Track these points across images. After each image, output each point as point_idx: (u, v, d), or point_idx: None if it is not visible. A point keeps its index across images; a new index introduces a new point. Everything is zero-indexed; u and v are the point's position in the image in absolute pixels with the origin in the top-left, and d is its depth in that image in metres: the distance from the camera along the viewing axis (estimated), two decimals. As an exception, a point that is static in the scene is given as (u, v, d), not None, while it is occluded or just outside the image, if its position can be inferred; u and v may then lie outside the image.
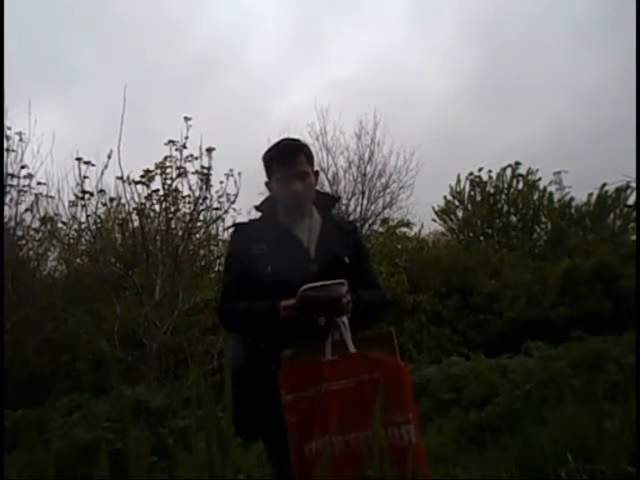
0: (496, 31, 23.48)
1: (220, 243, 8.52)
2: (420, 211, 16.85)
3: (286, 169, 1.90)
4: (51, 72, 19.56)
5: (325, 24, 24.27)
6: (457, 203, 16.93)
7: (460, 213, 16.91)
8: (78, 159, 7.06)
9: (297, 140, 2.02)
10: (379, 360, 1.65)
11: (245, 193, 7.41)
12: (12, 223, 7.81)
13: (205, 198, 7.50)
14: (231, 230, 2.13)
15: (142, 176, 7.20)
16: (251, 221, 2.08)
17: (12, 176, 7.67)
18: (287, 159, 1.91)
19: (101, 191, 7.40)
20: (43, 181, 7.97)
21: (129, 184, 7.06)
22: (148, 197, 7.32)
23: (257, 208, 2.05)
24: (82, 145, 6.90)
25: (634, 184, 13.11)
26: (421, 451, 1.60)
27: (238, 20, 24.37)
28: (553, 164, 16.22)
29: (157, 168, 7.26)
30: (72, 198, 7.50)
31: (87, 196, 7.19)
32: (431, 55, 24.34)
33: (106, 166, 6.92)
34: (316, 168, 2.06)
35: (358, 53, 24.55)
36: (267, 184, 2.02)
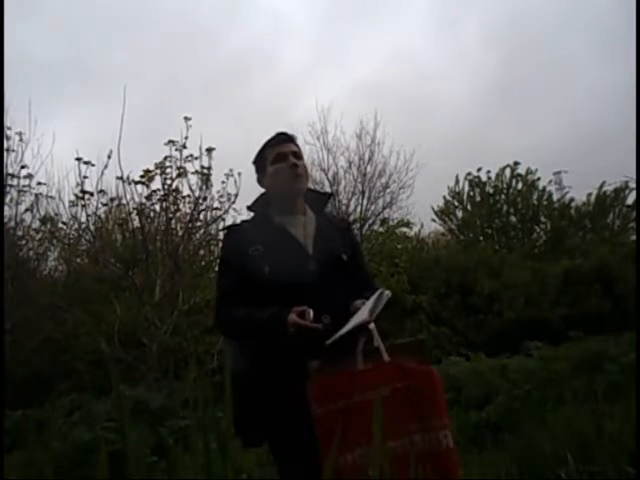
0: (515, 35, 23.67)
1: (220, 243, 8.52)
2: (421, 211, 16.89)
3: (281, 148, 1.92)
4: (86, 74, 19.71)
5: (349, 28, 24.50)
6: (456, 203, 16.93)
7: (460, 213, 16.92)
8: (78, 159, 7.06)
9: (287, 132, 2.03)
10: (412, 368, 1.65)
11: (246, 193, 7.42)
12: (12, 223, 7.82)
13: (205, 198, 7.51)
14: (223, 233, 2.10)
15: (142, 176, 7.20)
16: (243, 222, 2.04)
17: (12, 176, 7.68)
18: (281, 141, 1.94)
19: (101, 191, 7.40)
20: (43, 181, 7.99)
21: (129, 184, 7.06)
22: (148, 197, 7.32)
23: (249, 208, 2.01)
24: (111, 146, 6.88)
25: (633, 184, 13.13)
26: (456, 455, 1.62)
27: (268, 27, 24.70)
28: (571, 164, 16.29)
29: (157, 168, 7.26)
30: (72, 198, 7.51)
31: (87, 196, 7.19)
32: (452, 58, 24.56)
33: (106, 166, 6.93)
34: (312, 166, 2.06)
35: (381, 56, 24.89)
36: (259, 179, 2.00)
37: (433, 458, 1.52)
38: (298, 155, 1.94)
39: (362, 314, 1.67)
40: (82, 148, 7.46)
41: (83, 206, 7.24)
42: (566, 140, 21.18)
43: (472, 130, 21.91)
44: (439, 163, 18.21)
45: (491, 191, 16.43)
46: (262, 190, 2.02)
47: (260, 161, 1.97)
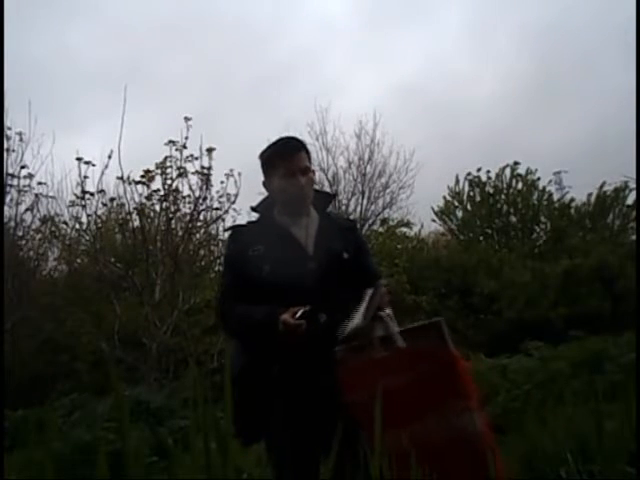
0: (547, 40, 23.72)
1: (220, 243, 8.52)
2: (421, 211, 16.88)
3: (290, 164, 1.87)
4: (133, 77, 19.81)
5: (387, 32, 24.56)
6: (456, 203, 16.92)
7: (460, 213, 16.90)
8: (78, 159, 7.07)
9: (297, 138, 2.00)
10: (430, 352, 1.63)
11: (246, 193, 7.42)
12: (12, 223, 7.82)
13: (205, 198, 7.51)
14: (228, 233, 2.11)
15: (142, 176, 7.21)
16: (248, 223, 2.05)
17: (12, 176, 7.69)
18: (291, 154, 1.89)
19: (101, 191, 7.41)
20: (43, 181, 8.00)
21: (129, 184, 7.07)
22: (148, 197, 7.32)
23: (254, 209, 2.01)
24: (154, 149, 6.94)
25: (633, 184, 13.12)
26: (489, 437, 1.58)
27: (312, 32, 24.75)
28: (596, 166, 16.27)
29: (157, 168, 7.27)
30: (72, 198, 7.53)
31: (87, 196, 7.20)
32: (483, 62, 24.66)
33: (106, 166, 6.94)
34: (313, 168, 2.04)
35: (414, 61, 25.12)
36: (265, 183, 1.98)
37: (459, 443, 1.50)
38: (307, 169, 1.90)
39: (356, 319, 1.68)
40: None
41: (83, 206, 7.25)
42: (583, 142, 21.24)
43: (497, 132, 22.15)
44: (464, 164, 18.21)
45: (491, 191, 16.41)
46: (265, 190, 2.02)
47: (269, 168, 1.93)
